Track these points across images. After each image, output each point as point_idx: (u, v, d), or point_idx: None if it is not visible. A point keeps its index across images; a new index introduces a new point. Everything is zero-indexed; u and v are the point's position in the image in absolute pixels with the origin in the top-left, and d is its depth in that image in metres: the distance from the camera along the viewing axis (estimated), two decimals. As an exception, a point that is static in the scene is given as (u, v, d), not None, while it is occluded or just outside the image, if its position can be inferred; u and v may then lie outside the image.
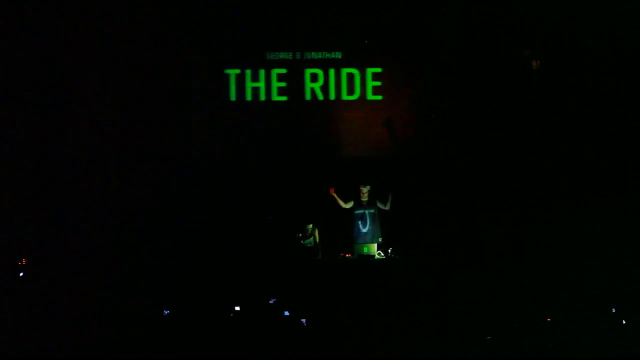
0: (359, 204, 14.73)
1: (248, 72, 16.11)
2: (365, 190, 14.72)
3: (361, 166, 15.70)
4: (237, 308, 13.43)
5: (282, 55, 16.11)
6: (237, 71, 16.11)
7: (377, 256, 13.98)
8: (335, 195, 14.76)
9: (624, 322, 12.93)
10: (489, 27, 15.62)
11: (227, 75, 16.12)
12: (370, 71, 16.06)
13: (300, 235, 14.70)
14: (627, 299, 13.21)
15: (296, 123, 16.12)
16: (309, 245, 14.72)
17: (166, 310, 13.48)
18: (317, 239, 14.80)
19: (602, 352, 12.41)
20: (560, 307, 13.05)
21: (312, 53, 16.08)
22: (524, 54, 15.60)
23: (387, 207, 14.73)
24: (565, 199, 15.10)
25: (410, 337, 12.88)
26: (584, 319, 12.92)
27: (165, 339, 13.22)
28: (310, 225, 14.80)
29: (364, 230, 14.69)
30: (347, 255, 14.27)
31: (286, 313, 13.27)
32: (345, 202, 14.79)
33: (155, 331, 13.30)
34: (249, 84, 16.14)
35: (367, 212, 14.71)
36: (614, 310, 12.95)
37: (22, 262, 14.40)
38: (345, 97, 16.09)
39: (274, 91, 16.13)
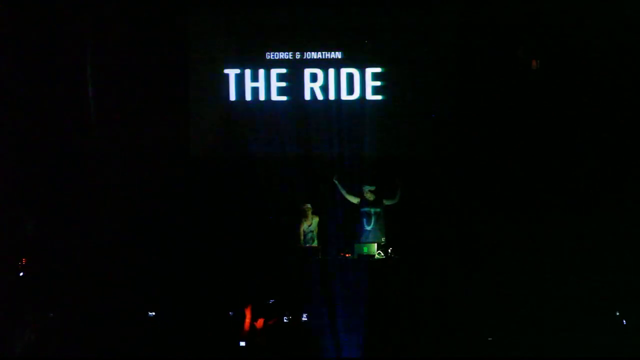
0: (365, 202, 14.77)
1: (248, 71, 16.11)
2: (369, 189, 14.76)
3: (364, 166, 15.71)
4: (231, 313, 13.45)
5: (282, 55, 16.10)
6: (237, 71, 16.12)
7: (377, 256, 13.99)
8: (337, 182, 14.83)
9: (624, 322, 12.96)
10: (489, 27, 15.61)
11: (227, 75, 16.12)
12: (370, 71, 16.05)
13: (303, 220, 14.71)
14: (627, 300, 13.23)
15: (297, 123, 16.12)
16: (310, 233, 14.71)
17: (151, 312, 13.49)
18: (316, 228, 14.82)
19: (602, 353, 12.43)
20: (560, 307, 13.07)
21: (312, 53, 16.08)
22: (520, 53, 15.61)
23: (396, 200, 14.77)
24: (566, 199, 15.09)
25: (410, 337, 12.89)
26: (585, 319, 12.93)
27: (165, 339, 13.23)
28: (309, 206, 14.78)
29: (368, 228, 14.73)
30: (347, 255, 14.28)
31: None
32: (349, 194, 14.85)
33: (155, 331, 13.31)
34: (249, 84, 16.13)
35: (372, 210, 14.74)
36: (617, 314, 12.97)
37: (22, 262, 14.41)
38: (345, 96, 16.08)
39: (274, 91, 16.12)
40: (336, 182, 14.95)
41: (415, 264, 13.72)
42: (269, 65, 16.06)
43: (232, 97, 16.14)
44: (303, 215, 14.82)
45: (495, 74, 15.61)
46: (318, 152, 16.05)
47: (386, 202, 14.79)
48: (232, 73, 16.11)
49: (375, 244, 14.16)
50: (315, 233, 14.85)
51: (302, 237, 14.82)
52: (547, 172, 15.33)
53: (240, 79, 16.10)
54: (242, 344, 13.13)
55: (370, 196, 14.78)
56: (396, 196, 14.80)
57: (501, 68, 15.63)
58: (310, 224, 14.79)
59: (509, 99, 15.60)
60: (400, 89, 16.03)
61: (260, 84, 16.11)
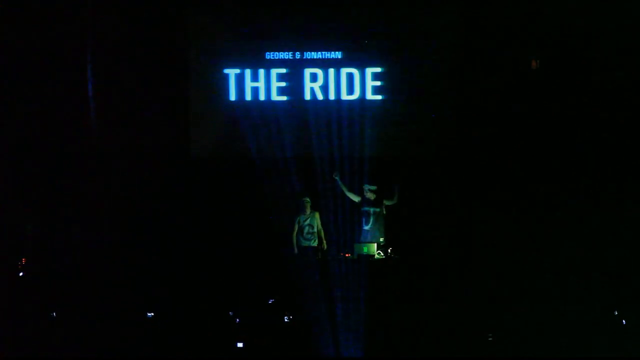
0: (366, 202, 14.80)
1: (248, 71, 16.12)
2: (369, 189, 14.78)
3: (364, 166, 15.72)
4: (231, 313, 13.45)
5: (282, 55, 16.11)
6: (237, 71, 16.12)
7: (377, 256, 13.99)
8: (338, 179, 14.88)
9: (624, 322, 12.95)
10: (489, 27, 15.62)
11: (227, 75, 16.13)
12: (370, 71, 16.06)
13: (301, 214, 14.74)
14: (627, 300, 13.23)
15: (297, 122, 16.13)
16: (307, 227, 14.71)
17: (150, 313, 13.49)
18: (320, 226, 14.81)
19: (602, 352, 12.43)
20: (560, 307, 13.07)
21: (312, 53, 16.08)
22: (533, 64, 15.64)
23: (395, 201, 14.80)
24: (566, 199, 15.10)
25: (410, 336, 12.90)
26: (584, 318, 12.93)
27: (164, 339, 13.24)
28: (308, 200, 14.79)
29: (366, 228, 14.74)
30: (347, 255, 14.28)
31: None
32: (350, 191, 14.88)
33: (155, 331, 13.32)
34: (249, 84, 16.14)
35: (372, 209, 14.75)
36: (616, 313, 12.97)
37: (22, 262, 14.41)
38: (344, 96, 16.09)
39: (274, 91, 16.12)
40: (337, 178, 14.99)
41: (415, 264, 13.71)
42: (269, 65, 16.06)
43: (232, 97, 16.15)
44: (301, 209, 14.82)
45: (495, 74, 15.61)
46: (318, 152, 16.06)
47: (386, 203, 14.80)
48: (232, 73, 16.12)
49: (375, 244, 14.15)
50: (316, 230, 14.81)
51: (296, 228, 14.75)
52: (547, 171, 15.33)
53: (240, 79, 16.11)
54: (240, 345, 13.13)
55: (370, 195, 14.80)
56: (394, 197, 14.82)
57: (501, 68, 15.63)
58: (308, 217, 14.78)
59: (509, 99, 15.60)
60: (400, 89, 16.03)
61: (260, 84, 16.12)
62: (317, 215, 14.84)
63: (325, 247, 14.78)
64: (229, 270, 13.91)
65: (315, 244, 14.74)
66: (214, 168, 16.14)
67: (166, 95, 15.99)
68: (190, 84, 16.16)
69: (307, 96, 16.11)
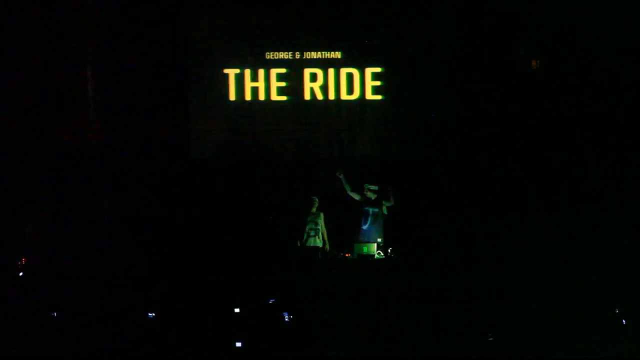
0: (365, 201, 14.80)
1: (248, 71, 16.12)
2: (369, 189, 14.78)
3: (363, 166, 15.73)
4: (237, 310, 13.43)
5: (282, 55, 16.11)
6: (237, 71, 16.12)
7: (377, 256, 13.99)
8: (342, 177, 14.89)
9: (624, 322, 12.94)
10: (488, 26, 15.63)
11: (227, 75, 16.13)
12: (370, 71, 16.06)
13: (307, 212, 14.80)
14: (627, 299, 13.22)
15: (297, 123, 16.14)
16: (311, 224, 14.72)
17: (151, 313, 13.48)
18: (324, 227, 14.83)
19: (602, 352, 12.42)
20: (560, 306, 13.06)
21: (312, 53, 16.08)
22: (520, 52, 15.64)
23: (392, 202, 14.80)
24: (566, 199, 15.10)
25: (410, 337, 12.89)
26: (584, 318, 12.93)
27: (165, 339, 13.24)
28: (316, 199, 14.83)
29: (364, 227, 14.75)
30: (346, 255, 14.28)
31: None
32: (353, 191, 14.89)
33: (155, 331, 13.32)
34: (249, 84, 16.14)
35: (371, 209, 14.76)
36: (617, 311, 12.97)
37: (22, 262, 14.41)
38: (344, 96, 16.09)
39: (274, 91, 16.12)
40: (341, 177, 14.99)
41: (415, 264, 13.70)
42: (269, 65, 16.07)
43: (232, 97, 16.15)
44: (309, 207, 14.86)
45: (495, 74, 15.61)
46: (318, 152, 16.07)
47: (385, 203, 14.80)
48: (232, 73, 16.12)
49: (375, 244, 14.15)
50: (321, 230, 14.82)
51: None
52: (548, 171, 15.33)
53: (240, 79, 16.11)
54: (238, 344, 13.11)
55: (371, 195, 14.81)
56: (390, 198, 14.81)
57: (501, 68, 15.63)
58: (311, 215, 14.80)
59: (509, 99, 15.61)
60: (400, 89, 16.04)
61: (260, 84, 16.12)
62: (322, 215, 14.87)
63: (328, 248, 14.79)
64: (229, 270, 13.91)
65: (317, 243, 14.76)
66: (214, 168, 16.15)
67: (166, 96, 15.99)
68: (190, 83, 16.16)
69: (307, 96, 16.12)
